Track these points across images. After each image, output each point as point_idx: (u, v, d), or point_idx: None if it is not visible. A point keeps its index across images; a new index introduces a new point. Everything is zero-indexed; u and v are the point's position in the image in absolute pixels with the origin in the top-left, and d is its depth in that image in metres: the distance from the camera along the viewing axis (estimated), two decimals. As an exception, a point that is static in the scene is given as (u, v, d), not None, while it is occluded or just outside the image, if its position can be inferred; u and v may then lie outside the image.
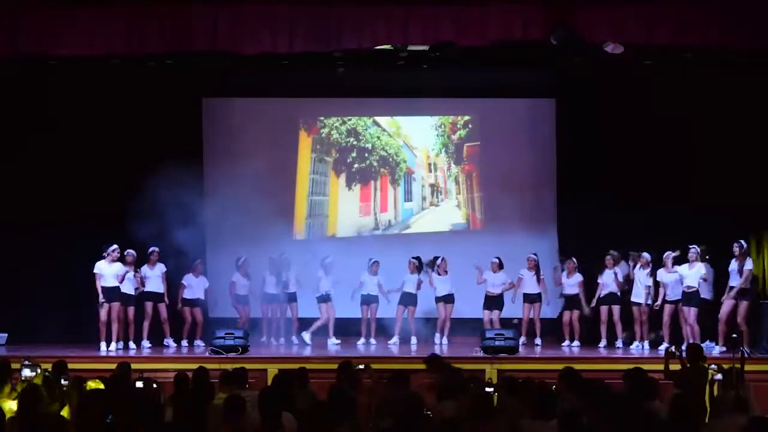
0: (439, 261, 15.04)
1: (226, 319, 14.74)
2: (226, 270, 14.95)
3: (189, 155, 14.98)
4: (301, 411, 7.13)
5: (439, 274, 14.98)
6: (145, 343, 14.33)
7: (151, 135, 15.05)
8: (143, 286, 14.33)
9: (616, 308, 14.39)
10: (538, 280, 14.83)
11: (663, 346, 13.77)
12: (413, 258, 15.11)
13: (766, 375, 11.69)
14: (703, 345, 13.47)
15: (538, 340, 14.72)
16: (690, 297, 13.73)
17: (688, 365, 9.92)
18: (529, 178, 16.05)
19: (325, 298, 14.80)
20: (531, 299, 14.82)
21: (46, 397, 7.91)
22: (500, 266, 14.85)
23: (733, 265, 13.55)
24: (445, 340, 14.86)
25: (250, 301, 14.91)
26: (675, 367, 10.25)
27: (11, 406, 7.58)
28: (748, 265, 13.47)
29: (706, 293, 13.84)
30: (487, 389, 8.68)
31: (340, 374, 9.41)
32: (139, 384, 8.64)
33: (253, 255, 15.03)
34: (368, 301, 14.91)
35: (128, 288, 14.13)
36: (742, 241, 13.59)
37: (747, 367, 10.36)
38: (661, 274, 13.94)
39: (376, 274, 14.93)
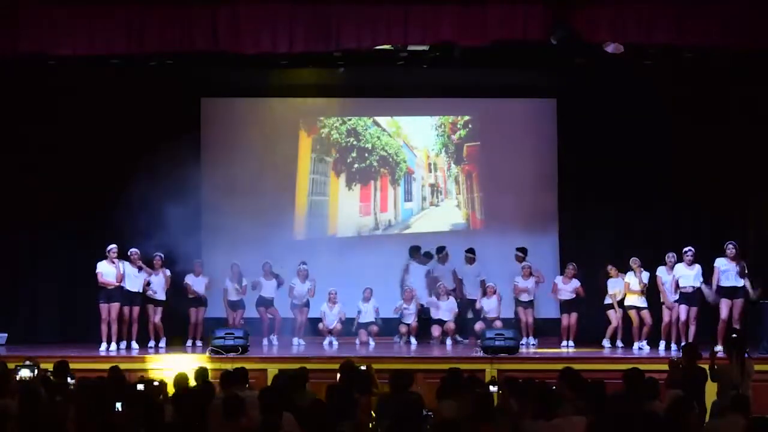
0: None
1: (222, 319, 14.73)
2: (224, 270, 14.91)
3: (188, 155, 14.95)
4: (301, 411, 7.14)
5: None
6: (151, 344, 14.34)
7: (151, 135, 15.02)
8: (147, 287, 14.29)
9: (620, 311, 14.40)
10: (533, 289, 14.86)
11: (662, 349, 13.86)
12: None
13: (766, 375, 11.68)
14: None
15: (532, 340, 14.77)
16: (690, 297, 13.76)
17: (682, 365, 9.91)
18: (529, 178, 16.03)
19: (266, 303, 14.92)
20: (524, 305, 14.89)
21: (44, 396, 7.94)
22: (494, 291, 14.94)
23: (727, 264, 13.55)
24: (449, 341, 14.91)
25: (245, 304, 14.90)
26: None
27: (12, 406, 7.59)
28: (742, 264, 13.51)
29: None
30: (492, 388, 8.69)
31: (341, 374, 9.41)
32: (140, 386, 8.64)
33: (253, 255, 15.00)
34: (367, 326, 14.99)
35: (132, 287, 14.11)
36: (734, 242, 13.61)
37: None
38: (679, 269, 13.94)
39: (369, 301, 15.00)
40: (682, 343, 13.12)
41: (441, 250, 15.50)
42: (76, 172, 15.09)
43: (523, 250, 15.28)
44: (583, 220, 15.56)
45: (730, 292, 13.56)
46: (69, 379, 9.00)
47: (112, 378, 9.16)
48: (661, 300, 14.01)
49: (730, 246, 13.53)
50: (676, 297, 13.86)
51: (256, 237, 15.28)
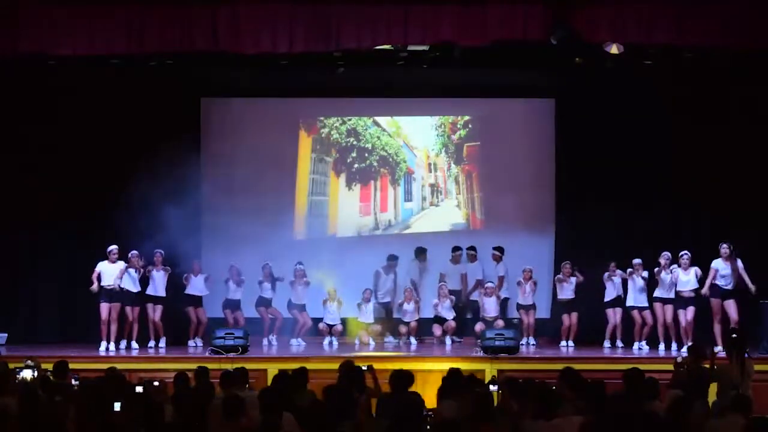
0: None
1: (222, 319, 14.73)
2: (224, 270, 14.90)
3: (188, 156, 14.93)
4: (301, 411, 7.14)
5: None
6: (152, 344, 14.34)
7: (151, 135, 15.01)
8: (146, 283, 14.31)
9: (619, 311, 14.41)
10: (533, 291, 14.88)
11: (662, 349, 13.89)
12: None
13: (766, 375, 11.68)
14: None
15: (532, 340, 14.80)
16: (687, 300, 13.80)
17: (686, 367, 9.90)
18: (529, 178, 16.02)
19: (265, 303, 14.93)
20: (526, 308, 14.92)
21: (44, 397, 7.94)
22: (494, 290, 14.99)
23: (721, 265, 13.55)
24: (449, 340, 14.94)
25: (245, 304, 14.89)
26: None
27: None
28: (740, 264, 13.51)
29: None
30: (492, 388, 8.68)
31: (341, 374, 9.41)
32: (139, 389, 8.64)
33: (252, 255, 14.99)
34: (367, 326, 15.07)
35: (130, 286, 14.11)
36: (728, 242, 13.62)
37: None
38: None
39: (369, 301, 15.04)
40: (687, 344, 13.17)
41: (456, 249, 15.52)
42: (76, 172, 15.08)
43: (500, 249, 15.34)
44: (582, 220, 15.54)
45: (726, 293, 13.58)
46: (73, 380, 9.00)
47: (112, 378, 9.17)
48: (655, 295, 14.06)
49: (724, 246, 13.56)
50: (672, 296, 13.92)
51: (255, 237, 15.25)
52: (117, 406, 7.51)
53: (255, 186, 15.66)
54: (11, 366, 9.80)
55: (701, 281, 13.75)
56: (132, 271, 14.08)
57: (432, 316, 15.19)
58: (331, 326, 14.85)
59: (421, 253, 15.64)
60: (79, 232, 15.13)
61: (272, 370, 11.73)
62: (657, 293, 14.08)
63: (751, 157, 14.90)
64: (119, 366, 11.14)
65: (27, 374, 9.14)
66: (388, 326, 15.29)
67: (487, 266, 15.53)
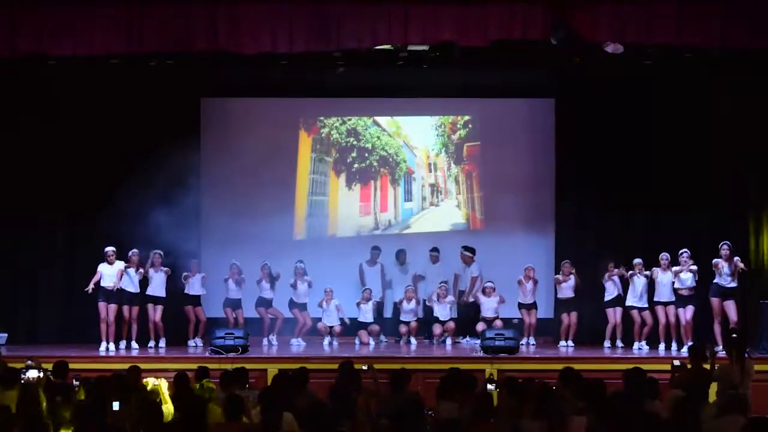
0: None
1: (221, 319, 14.73)
2: (223, 270, 14.90)
3: (187, 156, 14.92)
4: (301, 411, 7.15)
5: None
6: (152, 344, 14.34)
7: (151, 135, 15.01)
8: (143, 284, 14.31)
9: (619, 310, 14.41)
10: (534, 290, 14.88)
11: (662, 349, 13.89)
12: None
13: (766, 375, 11.69)
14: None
15: (532, 340, 14.80)
16: (686, 299, 13.79)
17: (682, 372, 9.90)
18: (529, 178, 16.03)
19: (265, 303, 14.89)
20: (527, 307, 14.92)
21: (44, 397, 7.95)
22: (494, 290, 14.91)
23: (722, 264, 13.56)
24: (449, 341, 14.93)
25: (245, 303, 14.88)
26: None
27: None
28: (739, 263, 13.51)
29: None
30: (489, 386, 8.69)
31: (340, 374, 9.42)
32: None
33: (252, 255, 15.00)
34: (367, 326, 15.05)
35: (129, 286, 14.11)
36: (729, 242, 13.63)
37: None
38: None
39: (369, 300, 15.03)
40: (688, 344, 13.18)
41: (467, 249, 15.51)
42: (76, 172, 15.08)
43: (471, 250, 15.32)
44: (582, 220, 15.55)
45: (725, 293, 13.59)
46: (74, 381, 9.01)
47: (129, 376, 9.18)
48: (655, 299, 14.05)
49: (725, 246, 13.57)
50: (673, 298, 13.91)
51: (255, 237, 15.27)
52: (116, 406, 7.51)
53: (255, 186, 15.66)
54: (13, 366, 9.79)
55: (699, 281, 13.76)
56: (131, 271, 14.10)
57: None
58: (330, 326, 14.85)
59: (400, 254, 15.63)
60: (79, 232, 15.14)
61: (272, 370, 11.73)
62: (656, 297, 14.07)
63: (750, 158, 14.89)
64: (119, 366, 11.16)
65: (32, 374, 9.13)
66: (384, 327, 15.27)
67: (491, 266, 15.45)
